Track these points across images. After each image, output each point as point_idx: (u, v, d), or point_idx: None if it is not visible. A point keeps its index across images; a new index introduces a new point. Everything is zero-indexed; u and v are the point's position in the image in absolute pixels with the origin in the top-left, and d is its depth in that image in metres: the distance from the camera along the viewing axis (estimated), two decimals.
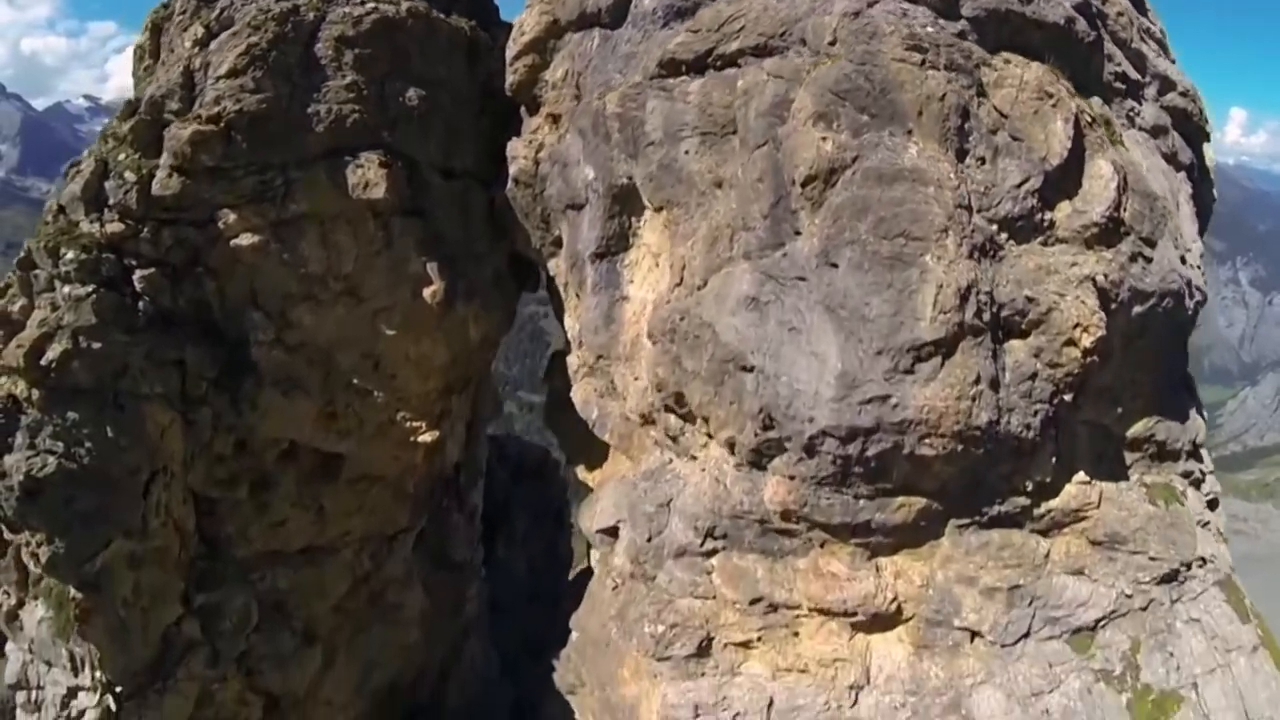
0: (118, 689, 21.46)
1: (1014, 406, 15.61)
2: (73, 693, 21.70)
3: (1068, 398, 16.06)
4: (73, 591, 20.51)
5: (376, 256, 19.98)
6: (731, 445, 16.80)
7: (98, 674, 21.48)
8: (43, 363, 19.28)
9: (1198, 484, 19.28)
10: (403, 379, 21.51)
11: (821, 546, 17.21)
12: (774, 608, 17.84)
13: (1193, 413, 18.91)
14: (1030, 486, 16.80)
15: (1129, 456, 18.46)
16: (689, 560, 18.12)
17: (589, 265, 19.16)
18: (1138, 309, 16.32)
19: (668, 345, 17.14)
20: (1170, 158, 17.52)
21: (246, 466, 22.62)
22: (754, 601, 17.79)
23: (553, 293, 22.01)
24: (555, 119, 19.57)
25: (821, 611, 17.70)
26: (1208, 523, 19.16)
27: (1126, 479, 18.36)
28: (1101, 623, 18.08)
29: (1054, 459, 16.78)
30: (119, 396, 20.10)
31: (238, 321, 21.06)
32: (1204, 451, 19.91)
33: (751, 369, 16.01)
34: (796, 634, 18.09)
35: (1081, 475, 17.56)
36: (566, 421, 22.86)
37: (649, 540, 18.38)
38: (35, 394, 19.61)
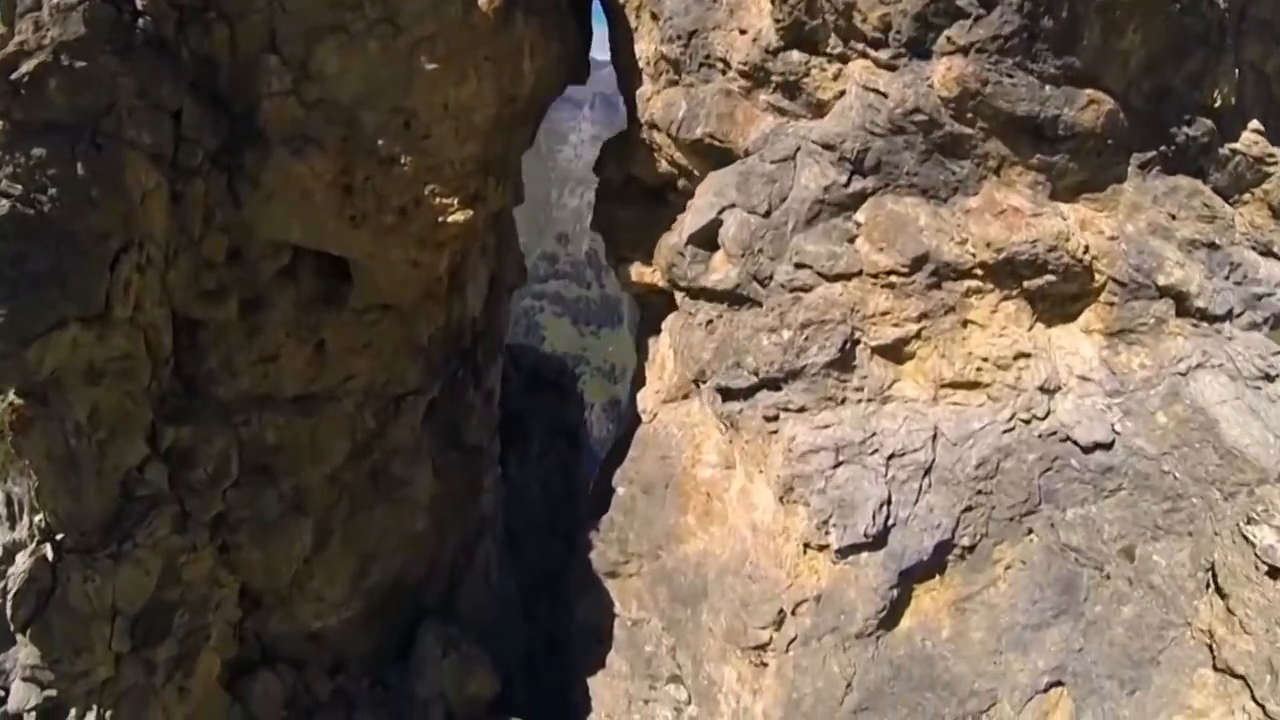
0: (58, 536, 16.71)
1: None
2: (9, 556, 17.00)
3: None
4: (11, 397, 16.23)
5: None
6: (886, 29, 14.15)
7: (37, 518, 16.79)
8: (14, 78, 15.82)
9: None
10: (436, 140, 18.38)
11: (997, 174, 14.44)
12: (938, 280, 14.72)
13: None
14: (1218, 100, 14.63)
15: None
16: (827, 224, 14.93)
17: None
18: None
19: None
20: None
21: (238, 278, 18.85)
22: (915, 266, 14.61)
23: (615, 37, 19.57)
24: None
25: (999, 276, 14.71)
26: None
27: None
28: None
29: (1236, 71, 14.76)
30: (97, 135, 16.56)
31: (247, 82, 17.95)
32: None
33: None
34: (965, 324, 14.94)
35: (1256, 124, 15.58)
36: (622, 208, 19.93)
37: (768, 214, 15.16)
38: None
